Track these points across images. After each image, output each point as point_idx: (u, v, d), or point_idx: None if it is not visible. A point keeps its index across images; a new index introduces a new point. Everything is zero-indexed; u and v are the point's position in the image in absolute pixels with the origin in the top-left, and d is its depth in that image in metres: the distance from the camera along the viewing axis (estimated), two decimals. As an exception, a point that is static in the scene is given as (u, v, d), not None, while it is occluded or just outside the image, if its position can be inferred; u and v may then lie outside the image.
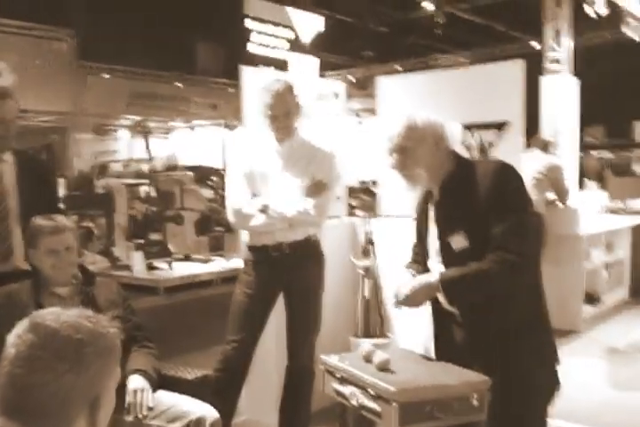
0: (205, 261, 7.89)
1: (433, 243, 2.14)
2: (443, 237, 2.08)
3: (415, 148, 2.05)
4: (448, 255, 2.08)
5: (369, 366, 1.94)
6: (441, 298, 2.06)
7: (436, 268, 2.14)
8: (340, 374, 1.97)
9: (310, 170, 3.16)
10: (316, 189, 3.14)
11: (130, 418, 2.28)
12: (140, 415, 2.29)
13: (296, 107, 3.12)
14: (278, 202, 3.08)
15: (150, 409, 2.31)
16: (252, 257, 3.20)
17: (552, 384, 2.09)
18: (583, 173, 8.93)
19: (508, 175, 2.05)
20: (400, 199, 3.39)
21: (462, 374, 1.88)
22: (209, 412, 2.32)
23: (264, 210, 3.07)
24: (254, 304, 3.13)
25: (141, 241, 7.99)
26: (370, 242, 3.97)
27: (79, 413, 1.16)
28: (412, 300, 2.06)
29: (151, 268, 7.97)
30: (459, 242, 2.04)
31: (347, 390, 1.93)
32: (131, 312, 2.68)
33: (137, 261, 7.86)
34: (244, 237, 3.32)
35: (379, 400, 1.79)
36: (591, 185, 8.09)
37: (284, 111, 3.06)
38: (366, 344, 2.05)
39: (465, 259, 2.02)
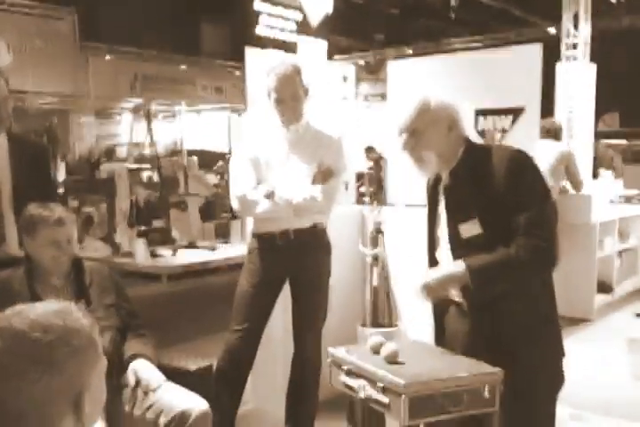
0: (211, 249, 7.88)
1: (443, 231, 2.12)
2: (453, 225, 2.05)
3: (426, 130, 2.02)
4: (457, 243, 2.06)
5: (377, 359, 1.93)
6: (455, 290, 2.04)
7: (445, 257, 2.11)
8: (348, 367, 1.96)
9: (318, 156, 3.13)
10: (324, 175, 3.11)
11: (131, 405, 2.30)
12: (151, 389, 2.31)
13: (303, 90, 3.08)
14: (284, 188, 3.06)
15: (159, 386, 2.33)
16: (257, 245, 3.18)
17: (559, 377, 2.08)
18: (598, 162, 8.89)
19: (525, 162, 2.02)
20: (410, 188, 3.38)
21: (473, 366, 1.86)
22: (195, 404, 2.29)
23: (269, 196, 3.05)
24: (259, 293, 3.12)
25: (144, 228, 7.96)
26: (379, 231, 3.95)
27: (62, 412, 1.12)
28: (436, 290, 2.02)
29: (154, 255, 7.96)
30: (470, 229, 2.00)
31: (354, 382, 1.92)
32: (124, 299, 2.67)
33: (139, 249, 7.82)
34: (249, 224, 3.30)
35: (388, 393, 1.79)
36: (605, 174, 8.03)
37: (290, 94, 3.02)
38: (375, 336, 2.03)
39: (475, 247, 1.99)
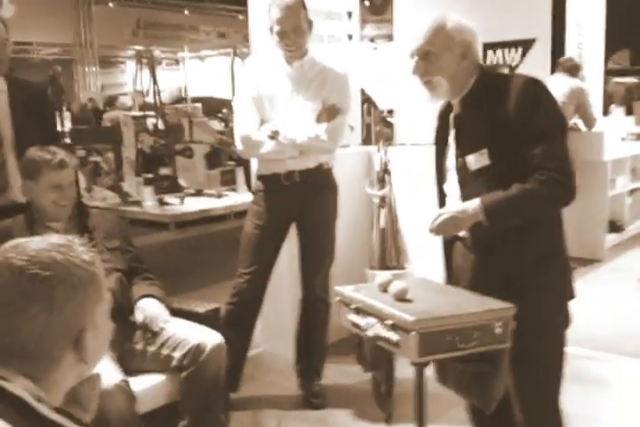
0: (218, 196, 7.82)
1: (451, 162, 2.02)
2: (461, 156, 1.95)
3: (440, 54, 1.90)
4: (465, 175, 1.96)
5: (386, 297, 1.87)
6: (464, 231, 1.96)
7: (453, 190, 2.02)
8: (356, 305, 1.90)
9: (322, 93, 3.03)
10: (329, 113, 3.01)
11: (144, 343, 2.30)
12: (157, 328, 2.31)
13: (306, 22, 2.95)
14: (289, 127, 2.96)
15: (164, 326, 2.33)
16: (263, 187, 3.11)
17: (566, 314, 2.01)
18: (609, 99, 8.68)
19: (542, 91, 1.89)
20: (417, 128, 3.27)
21: (484, 302, 1.80)
22: (210, 337, 2.29)
23: (274, 136, 2.96)
24: (265, 236, 3.07)
25: (151, 176, 7.90)
26: (386, 171, 3.86)
27: (63, 350, 1.07)
28: (449, 228, 1.92)
29: (162, 203, 7.92)
30: (478, 160, 1.90)
31: (363, 321, 1.86)
32: (129, 244, 2.63)
33: (147, 197, 7.79)
34: (254, 165, 3.22)
35: (397, 330, 1.73)
36: (617, 111, 7.85)
37: (293, 26, 2.89)
38: (383, 274, 1.96)
39: (483, 179, 1.89)
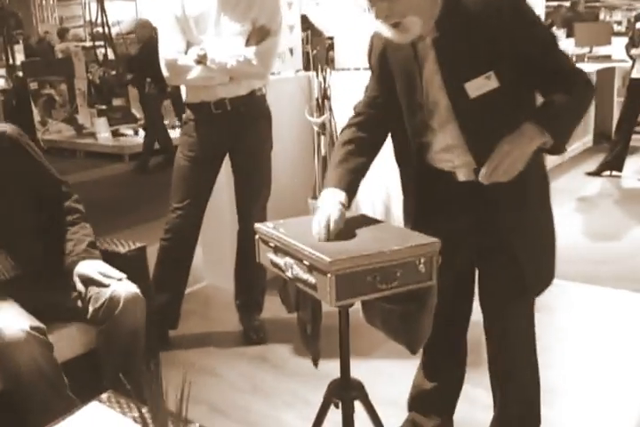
0: (171, 127, 7.43)
1: (437, 96, 1.66)
2: (455, 85, 1.61)
3: None
4: (463, 106, 1.62)
5: (307, 234, 1.61)
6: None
7: (446, 124, 1.68)
8: (274, 244, 1.64)
9: (251, 14, 2.67)
10: (259, 35, 2.66)
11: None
12: (117, 279, 2.02)
13: None
14: (217, 51, 2.61)
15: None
16: (192, 116, 2.79)
17: (551, 272, 1.85)
18: (552, 22, 8.37)
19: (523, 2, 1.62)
20: (358, 52, 2.94)
21: (409, 238, 1.55)
22: (125, 289, 2.00)
23: (201, 61, 2.61)
24: (198, 168, 2.77)
25: (104, 107, 7.44)
26: (325, 97, 3.53)
27: None
28: (512, 168, 1.49)
29: (116, 134, 7.53)
30: (483, 85, 1.58)
31: (281, 260, 1.61)
32: (42, 166, 2.19)
33: (101, 128, 7.41)
34: (182, 93, 2.88)
35: (314, 272, 1.49)
36: (559, 33, 7.54)
37: None
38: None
39: (486, 106, 1.59)
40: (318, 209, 1.67)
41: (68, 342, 2.03)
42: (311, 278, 1.51)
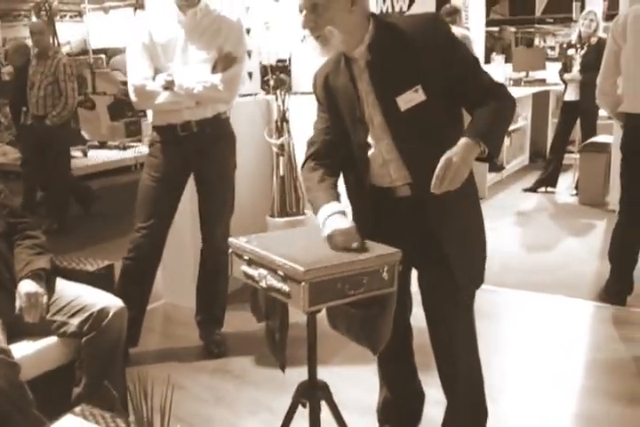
0: (122, 148, 7.45)
1: (371, 112, 1.84)
2: (387, 99, 1.78)
3: (327, 4, 1.71)
4: (394, 118, 1.79)
5: (278, 247, 1.75)
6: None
7: (380, 138, 1.85)
8: (249, 256, 1.78)
9: (217, 42, 2.81)
10: (225, 62, 2.81)
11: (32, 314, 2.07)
12: (32, 321, 2.07)
13: None
14: (184, 77, 2.74)
15: (44, 315, 2.10)
16: (159, 138, 2.90)
17: (482, 274, 2.03)
18: (490, 47, 8.75)
19: (446, 25, 1.81)
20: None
21: (372, 249, 1.72)
22: (112, 302, 2.11)
23: (168, 86, 2.74)
24: (163, 188, 2.87)
25: (53, 129, 7.38)
26: (284, 119, 3.70)
27: None
28: (464, 172, 1.66)
29: (65, 156, 7.46)
30: (412, 98, 1.76)
31: (255, 272, 1.75)
32: (5, 198, 2.31)
33: (50, 150, 7.32)
34: (150, 116, 2.99)
35: (288, 281, 1.63)
36: (498, 58, 7.91)
37: None
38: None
39: (416, 116, 1.76)
40: (332, 230, 1.74)
41: (41, 357, 2.08)
42: (285, 287, 1.65)
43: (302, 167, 1.99)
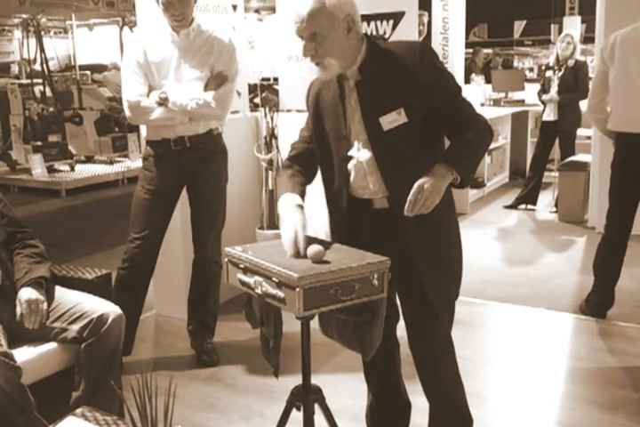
0: (109, 162, 7.49)
1: (355, 129, 1.92)
2: (372, 119, 1.87)
3: (326, 34, 1.79)
4: (377, 137, 1.88)
5: (272, 255, 1.83)
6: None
7: (361, 156, 1.91)
8: (244, 265, 1.85)
9: (210, 61, 2.91)
10: (217, 80, 2.91)
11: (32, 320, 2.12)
12: (32, 327, 2.12)
13: None
14: (177, 94, 2.83)
15: (44, 322, 2.15)
16: (152, 152, 2.97)
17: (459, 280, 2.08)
18: (470, 69, 8.94)
19: (434, 53, 1.90)
20: (300, 95, 3.20)
21: (362, 257, 1.80)
22: (111, 309, 2.17)
23: (163, 103, 2.82)
24: (156, 200, 2.94)
25: (40, 143, 7.42)
26: (272, 136, 3.80)
27: None
28: (436, 197, 1.74)
29: (52, 170, 7.50)
30: (394, 120, 1.84)
31: (251, 279, 1.82)
32: (4, 207, 2.37)
33: (36, 164, 7.37)
34: (143, 131, 3.07)
35: (283, 287, 1.70)
36: (477, 79, 8.09)
37: None
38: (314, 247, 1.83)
39: (398, 137, 1.85)
40: (281, 215, 1.89)
41: (41, 361, 2.14)
42: (280, 293, 1.72)
43: (282, 165, 2.13)
